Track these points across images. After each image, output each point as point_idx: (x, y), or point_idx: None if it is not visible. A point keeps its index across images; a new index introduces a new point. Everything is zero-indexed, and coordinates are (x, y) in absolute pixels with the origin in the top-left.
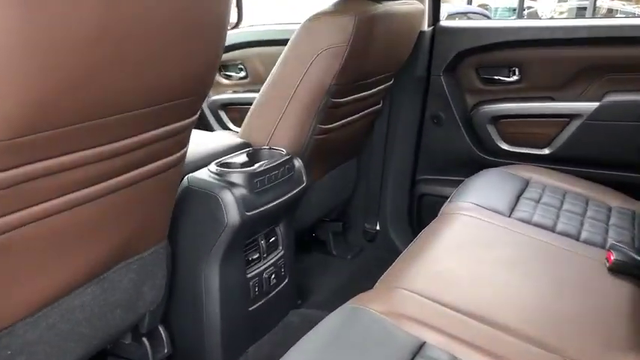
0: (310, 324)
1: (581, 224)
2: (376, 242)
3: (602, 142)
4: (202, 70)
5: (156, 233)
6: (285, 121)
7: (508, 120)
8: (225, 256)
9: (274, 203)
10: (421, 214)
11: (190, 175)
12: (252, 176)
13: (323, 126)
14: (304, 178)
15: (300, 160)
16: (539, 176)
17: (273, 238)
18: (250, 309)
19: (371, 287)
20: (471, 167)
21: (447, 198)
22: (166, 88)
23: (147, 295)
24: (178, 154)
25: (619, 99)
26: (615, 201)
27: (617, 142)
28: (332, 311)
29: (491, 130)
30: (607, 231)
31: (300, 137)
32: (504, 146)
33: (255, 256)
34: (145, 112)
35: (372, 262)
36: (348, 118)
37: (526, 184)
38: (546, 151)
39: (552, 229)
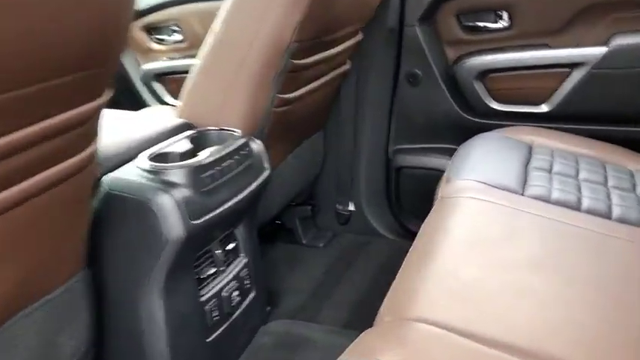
0: (285, 345)
1: (608, 197)
2: (351, 225)
3: (611, 95)
4: (103, 33)
5: (67, 264)
6: (236, 93)
7: (498, 74)
8: (169, 280)
9: (230, 203)
10: (399, 189)
11: (111, 175)
12: (197, 170)
13: (283, 95)
14: (266, 164)
15: (258, 142)
16: (542, 139)
17: (231, 245)
18: (209, 340)
19: (351, 281)
20: (456, 132)
21: (428, 170)
22: (53, 58)
23: (65, 348)
24: (87, 152)
25: (629, 42)
26: (633, 163)
27: (629, 94)
28: (309, 321)
29: (479, 87)
30: (639, 202)
31: (255, 112)
32: (495, 105)
33: (211, 272)
34: (27, 93)
35: (348, 249)
36: (313, 84)
37: (529, 150)
38: (545, 109)
39: (578, 208)
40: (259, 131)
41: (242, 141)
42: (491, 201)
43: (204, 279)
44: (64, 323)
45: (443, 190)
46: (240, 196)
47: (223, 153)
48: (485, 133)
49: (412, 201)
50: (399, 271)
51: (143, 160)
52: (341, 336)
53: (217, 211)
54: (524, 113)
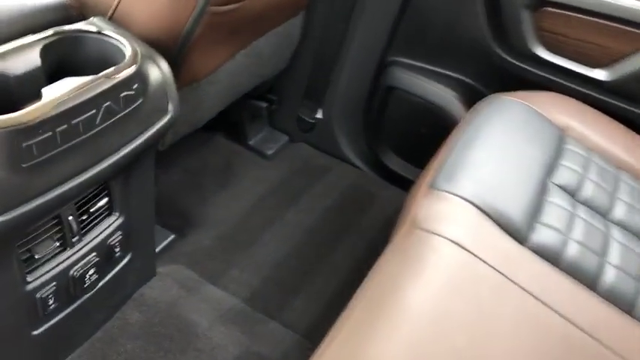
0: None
1: None
2: (313, 135)
3: None
4: None
5: None
6: None
7: (556, 11)
8: None
9: (85, 177)
10: (383, 113)
11: None
12: (16, 137)
13: None
14: (171, 104)
15: (163, 66)
16: (581, 125)
17: (101, 203)
18: (36, 333)
19: (291, 217)
20: (477, 66)
21: (425, 101)
22: None
23: None
24: None
25: None
26: None
27: None
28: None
29: (526, 19)
30: None
31: (178, 13)
32: (539, 51)
33: (50, 249)
34: None
35: (302, 168)
36: None
37: (559, 142)
38: (601, 76)
39: (593, 285)
40: (181, 40)
41: (129, 72)
42: (474, 254)
43: (38, 259)
44: None
45: (416, 206)
46: (108, 162)
47: (86, 97)
48: (506, 98)
49: (395, 131)
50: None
51: None
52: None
53: (53, 193)
54: (570, 72)
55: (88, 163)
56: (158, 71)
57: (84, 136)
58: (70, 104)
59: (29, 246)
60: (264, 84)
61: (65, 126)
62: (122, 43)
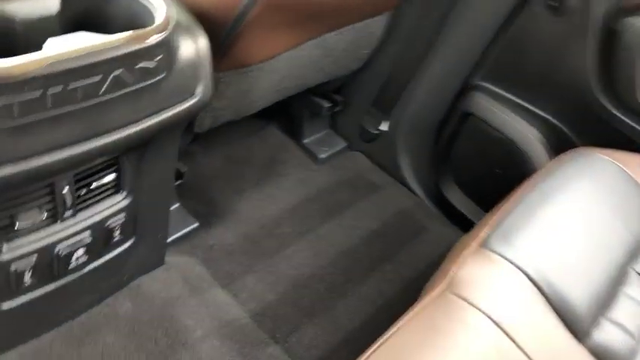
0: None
1: None
2: (373, 147)
3: None
4: None
5: None
6: None
7: None
8: None
9: (84, 149)
10: (455, 141)
11: None
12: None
13: None
14: (200, 86)
15: (202, 41)
16: None
17: (107, 178)
18: (4, 307)
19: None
20: (568, 108)
21: (504, 137)
22: None
23: None
24: None
25: None
26: None
27: None
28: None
29: None
30: None
31: None
32: None
33: (35, 220)
34: None
35: (353, 180)
36: None
37: None
38: None
39: None
40: (235, 17)
41: (153, 40)
42: (513, 339)
43: (18, 230)
44: None
45: (457, 263)
46: (112, 137)
47: (92, 60)
48: (599, 155)
49: (463, 163)
50: None
51: None
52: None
53: (36, 162)
54: None
55: (86, 134)
56: (193, 47)
57: (82, 104)
58: (70, 65)
59: (11, 212)
60: (331, 82)
61: (59, 88)
62: (155, 6)
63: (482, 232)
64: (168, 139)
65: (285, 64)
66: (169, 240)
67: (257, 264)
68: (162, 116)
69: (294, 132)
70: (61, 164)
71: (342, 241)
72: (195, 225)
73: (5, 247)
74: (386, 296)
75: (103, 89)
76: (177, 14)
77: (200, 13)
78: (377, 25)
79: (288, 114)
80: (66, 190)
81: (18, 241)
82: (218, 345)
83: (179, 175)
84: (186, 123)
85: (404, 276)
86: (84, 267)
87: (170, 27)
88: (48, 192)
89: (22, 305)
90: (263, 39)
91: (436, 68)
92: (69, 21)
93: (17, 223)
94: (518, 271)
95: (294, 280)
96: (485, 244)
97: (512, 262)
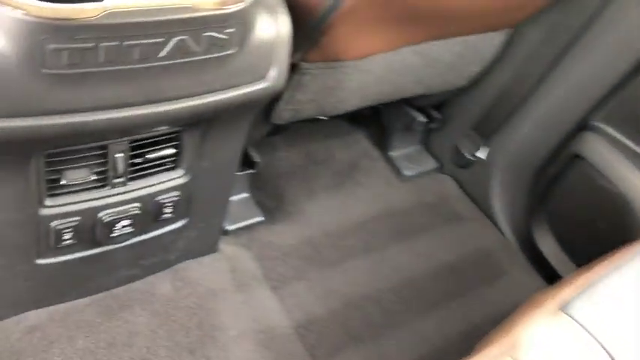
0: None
1: None
2: (466, 175)
3: None
4: None
5: None
6: None
7: None
8: None
9: (136, 113)
10: (557, 183)
11: None
12: (40, 33)
13: None
14: (271, 73)
15: (284, 22)
16: None
17: (165, 151)
18: (40, 261)
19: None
20: None
21: (614, 187)
22: None
23: None
24: None
25: None
26: None
27: None
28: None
29: None
30: None
31: None
32: None
33: (81, 180)
34: None
35: (435, 209)
36: None
37: None
38: None
39: None
40: (329, 3)
41: (224, 10)
42: None
43: (64, 185)
44: None
45: (527, 325)
46: (167, 107)
47: (153, 19)
48: None
49: (562, 208)
50: None
51: None
52: None
53: (83, 118)
54: None
55: (140, 98)
56: (272, 27)
57: (138, 65)
58: (127, 19)
59: (58, 167)
60: (431, 97)
61: (115, 43)
62: None
63: (565, 292)
64: (234, 122)
65: (379, 66)
66: (229, 228)
67: (312, 272)
68: (226, 95)
69: (382, 142)
70: (110, 125)
71: (408, 267)
72: (260, 219)
73: (48, 201)
74: (445, 337)
75: (163, 53)
76: None
77: None
78: (491, 42)
79: (378, 122)
80: (119, 155)
81: (62, 199)
82: (251, 350)
83: (251, 165)
84: (255, 108)
85: (469, 320)
86: (128, 238)
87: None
88: (100, 155)
89: (59, 264)
90: (356, 34)
91: (549, 100)
92: None
93: (62, 180)
94: (601, 348)
95: (347, 298)
96: (565, 308)
97: (593, 337)
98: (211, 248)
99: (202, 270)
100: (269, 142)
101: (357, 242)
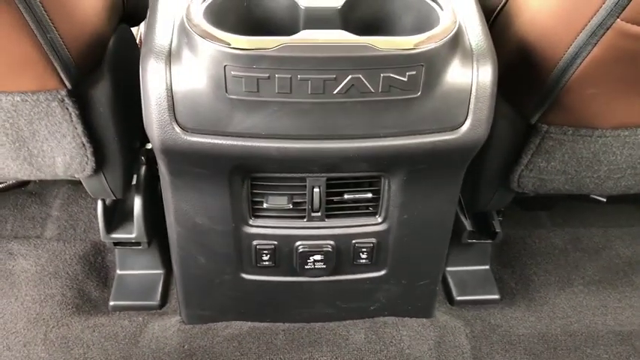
0: None
1: None
2: None
3: None
4: None
5: None
6: None
7: None
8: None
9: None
10: None
11: None
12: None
13: None
14: (468, 122)
15: (489, 70)
16: None
17: (364, 195)
18: (245, 276)
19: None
20: None
21: None
22: None
23: None
24: None
25: None
26: None
27: None
28: None
29: None
30: None
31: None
32: None
33: (286, 207)
34: None
35: None
36: None
37: None
38: None
39: None
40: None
41: (406, 52)
42: None
43: (265, 209)
44: None
45: None
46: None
47: (320, 55)
48: None
49: None
50: None
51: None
52: None
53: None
54: None
55: (312, 132)
56: (468, 73)
57: (312, 100)
58: (301, 53)
59: (262, 191)
60: None
61: (288, 75)
62: (438, 15)
63: None
64: (438, 177)
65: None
66: (457, 298)
67: None
68: (408, 140)
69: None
70: (286, 156)
71: None
72: (495, 297)
73: (252, 220)
74: None
75: (337, 89)
76: (471, 33)
77: (529, 43)
78: None
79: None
80: (317, 190)
81: (263, 221)
82: None
83: (492, 235)
84: (457, 162)
85: None
86: (320, 274)
87: (434, 43)
88: (299, 186)
89: (260, 283)
90: (609, 96)
91: None
92: (356, 21)
93: (265, 204)
94: None
95: None
96: None
97: None
98: (422, 312)
99: (403, 331)
100: (532, 216)
101: (609, 356)
